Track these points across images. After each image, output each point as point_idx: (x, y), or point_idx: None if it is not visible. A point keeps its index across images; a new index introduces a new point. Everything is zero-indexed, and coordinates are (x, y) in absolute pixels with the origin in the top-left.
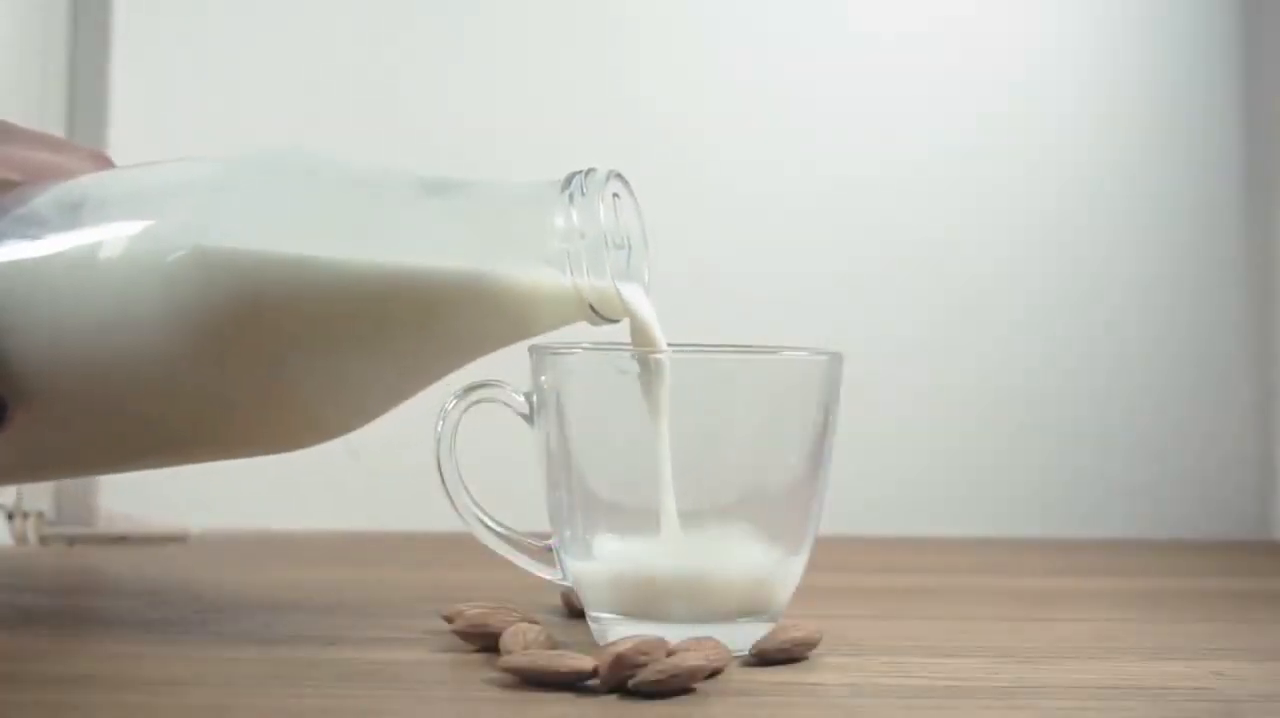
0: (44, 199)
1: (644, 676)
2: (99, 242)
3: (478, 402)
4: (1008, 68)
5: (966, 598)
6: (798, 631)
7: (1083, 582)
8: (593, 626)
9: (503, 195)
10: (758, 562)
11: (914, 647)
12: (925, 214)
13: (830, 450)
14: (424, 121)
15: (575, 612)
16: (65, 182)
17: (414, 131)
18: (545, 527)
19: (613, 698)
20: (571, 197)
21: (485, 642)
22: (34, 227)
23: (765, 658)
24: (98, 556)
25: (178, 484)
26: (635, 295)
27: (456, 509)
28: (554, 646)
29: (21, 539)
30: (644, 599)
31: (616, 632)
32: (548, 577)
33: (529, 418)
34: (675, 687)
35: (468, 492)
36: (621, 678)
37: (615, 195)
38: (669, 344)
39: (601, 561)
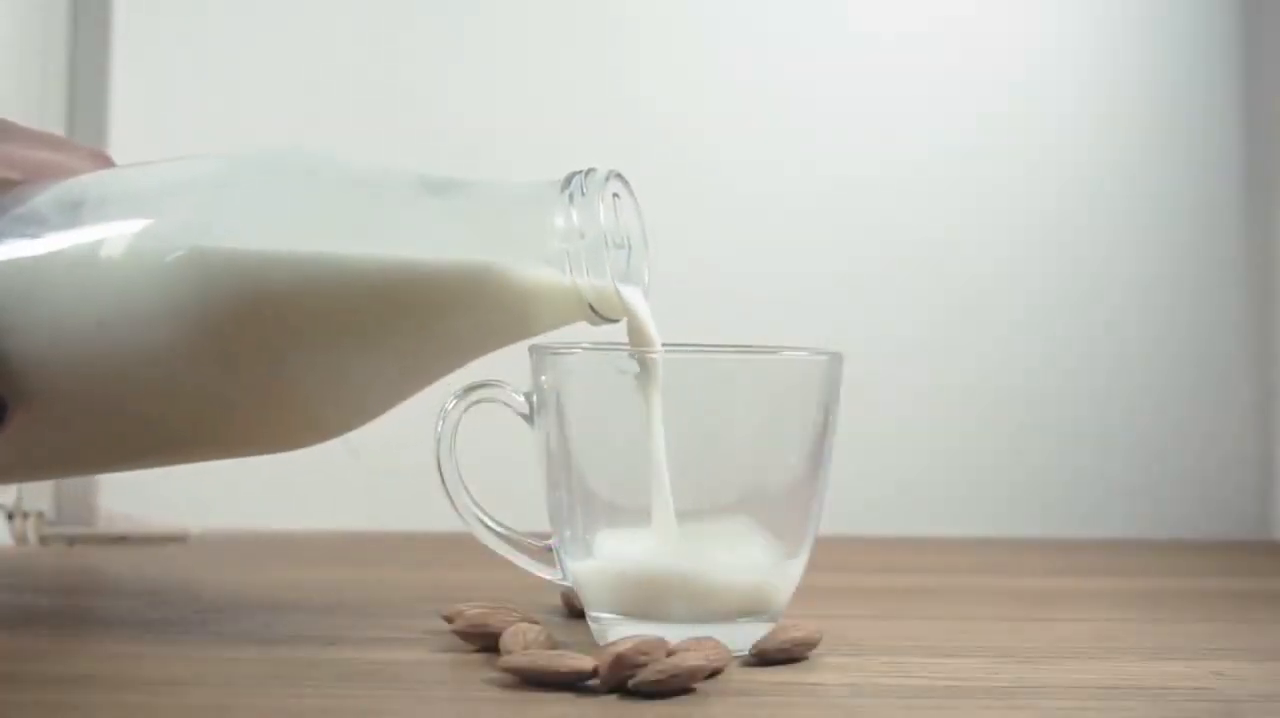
0: (44, 198)
1: (644, 676)
2: (99, 241)
3: (478, 402)
4: (1008, 68)
5: (966, 598)
6: (798, 631)
7: (1083, 582)
8: (593, 626)
9: (503, 195)
10: (758, 562)
11: (914, 647)
12: (925, 214)
13: (830, 450)
14: (424, 121)
15: (575, 612)
16: (65, 180)
17: (414, 131)
18: (545, 527)
19: (613, 698)
20: (571, 196)
21: (485, 642)
22: (34, 225)
23: (765, 658)
24: (98, 556)
25: (178, 484)
26: (633, 296)
27: (456, 509)
28: (554, 646)
29: (21, 539)
30: (644, 599)
31: (616, 632)
32: (548, 577)
33: (529, 418)
34: (675, 687)
35: (468, 492)
36: (621, 678)
37: (615, 195)
38: (665, 344)
39: (601, 560)
